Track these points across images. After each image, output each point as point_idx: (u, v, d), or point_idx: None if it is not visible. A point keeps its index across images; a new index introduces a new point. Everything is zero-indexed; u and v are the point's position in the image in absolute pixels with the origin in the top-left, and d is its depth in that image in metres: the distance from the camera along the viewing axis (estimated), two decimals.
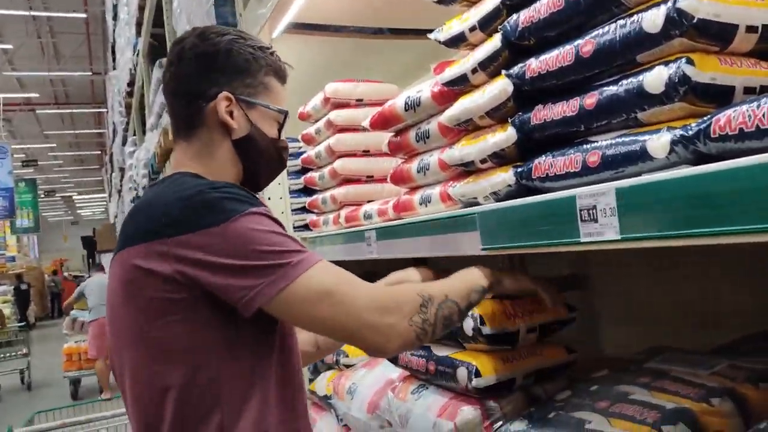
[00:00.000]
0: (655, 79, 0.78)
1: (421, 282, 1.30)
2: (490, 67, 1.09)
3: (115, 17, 7.71)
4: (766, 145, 0.63)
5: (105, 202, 26.42)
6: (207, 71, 1.12)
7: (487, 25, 1.10)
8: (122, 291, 1.01)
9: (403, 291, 1.04)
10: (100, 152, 24.23)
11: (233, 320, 0.98)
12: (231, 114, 1.12)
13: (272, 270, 0.93)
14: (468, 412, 1.20)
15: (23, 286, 16.73)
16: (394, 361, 1.46)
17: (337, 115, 1.90)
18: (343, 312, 0.95)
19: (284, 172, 1.94)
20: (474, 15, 1.13)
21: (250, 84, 1.14)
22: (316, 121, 2.06)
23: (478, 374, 1.19)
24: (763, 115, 0.63)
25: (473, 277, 1.12)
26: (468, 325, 1.22)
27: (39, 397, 8.04)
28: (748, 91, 0.77)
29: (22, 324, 10.83)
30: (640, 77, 0.81)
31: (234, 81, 1.13)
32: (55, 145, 22.99)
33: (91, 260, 22.33)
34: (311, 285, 0.94)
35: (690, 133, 0.73)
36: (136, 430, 1.04)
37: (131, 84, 6.61)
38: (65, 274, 22.78)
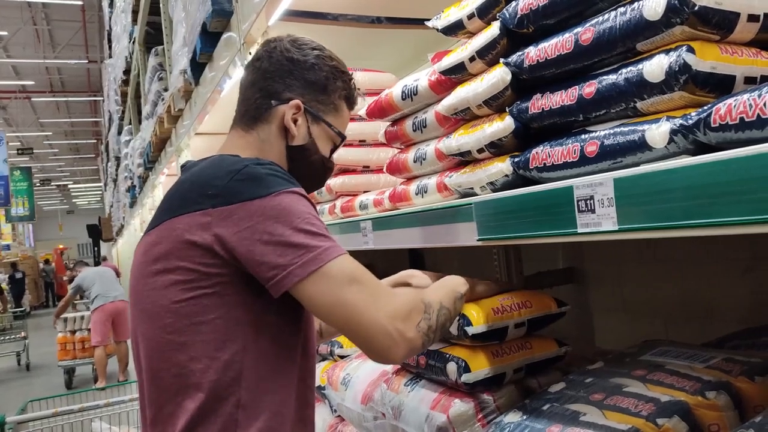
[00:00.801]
0: (656, 67, 0.77)
1: (422, 286, 1.32)
2: (489, 55, 1.08)
3: (111, 4, 7.65)
4: (766, 135, 0.62)
5: (101, 192, 26.36)
6: (289, 76, 1.16)
7: (485, 12, 1.09)
8: (156, 263, 1.02)
9: (411, 297, 1.04)
10: (95, 141, 24.12)
11: (264, 302, 0.99)
12: (295, 121, 1.16)
13: (306, 251, 0.95)
14: (461, 404, 1.19)
15: (18, 275, 16.70)
16: None
17: None
18: (365, 303, 0.95)
19: None
20: (472, 2, 1.11)
21: (322, 101, 1.18)
22: None
23: (467, 369, 1.18)
24: (764, 105, 0.62)
25: (454, 284, 1.15)
26: (453, 324, 1.22)
27: (36, 377, 8.64)
28: (749, 81, 0.77)
29: (21, 308, 11.62)
30: (640, 66, 0.80)
31: (309, 93, 1.17)
32: (50, 133, 22.87)
33: (96, 249, 22.27)
34: (342, 269, 0.96)
35: (690, 122, 0.71)
36: (149, 407, 1.04)
37: (127, 72, 6.56)
38: (65, 262, 22.67)
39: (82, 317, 7.71)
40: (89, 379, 7.49)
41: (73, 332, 7.65)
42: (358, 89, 1.26)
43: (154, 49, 4.48)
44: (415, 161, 1.40)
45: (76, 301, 8.20)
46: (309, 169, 1.19)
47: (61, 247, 25.84)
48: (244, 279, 0.98)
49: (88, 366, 7.51)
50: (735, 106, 0.66)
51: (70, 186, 31.17)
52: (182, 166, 1.20)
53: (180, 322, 0.99)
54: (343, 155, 1.89)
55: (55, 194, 32.37)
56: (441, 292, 1.10)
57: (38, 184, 25.56)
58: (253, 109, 1.18)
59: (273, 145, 1.17)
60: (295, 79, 1.16)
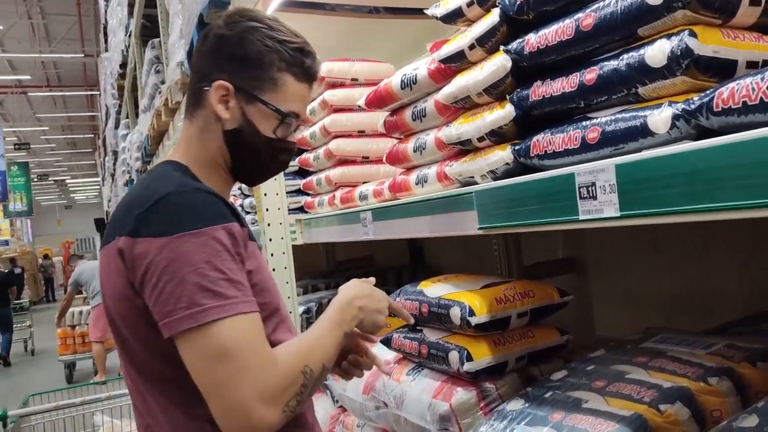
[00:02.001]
0: (657, 52, 0.77)
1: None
2: (488, 42, 1.07)
3: None
4: None
5: (98, 186, 26.31)
6: (216, 55, 1.08)
7: None
8: (105, 286, 1.03)
9: (293, 368, 0.94)
10: (93, 135, 24.05)
11: None
12: (227, 103, 1.07)
13: (185, 307, 0.89)
14: (463, 393, 1.19)
15: (17, 270, 16.69)
16: (387, 344, 1.46)
17: (332, 95, 1.88)
18: (228, 382, 0.88)
19: None
20: None
21: (257, 77, 1.07)
22: (311, 100, 2.04)
23: (469, 358, 1.18)
24: (767, 88, 0.62)
25: (340, 324, 1.05)
26: (455, 314, 1.22)
27: (40, 359, 9.60)
28: (751, 65, 0.76)
29: (26, 300, 12.53)
30: (642, 51, 0.79)
31: (240, 71, 1.07)
32: (47, 128, 22.80)
33: None
34: (212, 341, 0.88)
35: (692, 107, 0.71)
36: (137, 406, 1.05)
37: (123, 66, 6.52)
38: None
39: (81, 312, 7.71)
40: (90, 373, 7.50)
41: (73, 327, 7.66)
42: (314, 56, 1.12)
43: (150, 42, 4.46)
44: (414, 151, 1.40)
45: (77, 296, 8.20)
46: (251, 153, 1.10)
47: (68, 241, 25.76)
48: None
49: (88, 360, 7.52)
50: (738, 90, 0.65)
51: (67, 181, 31.10)
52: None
53: (130, 347, 1.00)
54: (342, 146, 1.88)
55: (53, 189, 32.30)
56: (327, 348, 1.00)
57: (36, 180, 25.52)
58: (191, 96, 1.12)
59: (211, 132, 1.10)
60: (224, 58, 1.07)
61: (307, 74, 1.12)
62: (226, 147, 1.09)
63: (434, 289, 1.36)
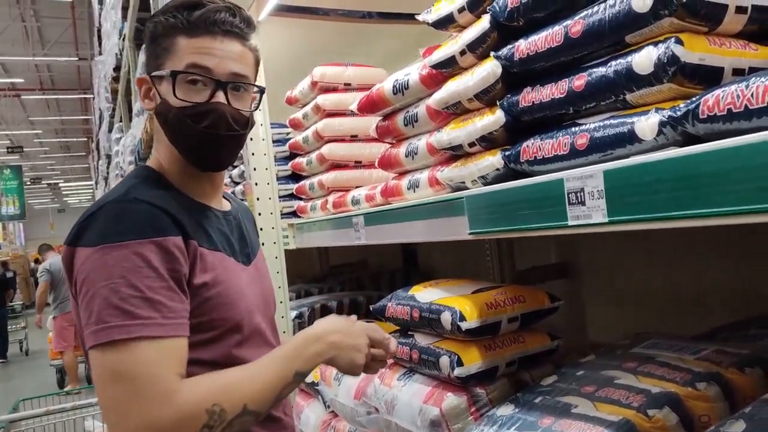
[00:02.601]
0: (645, 59, 0.77)
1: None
2: (479, 48, 1.08)
3: (100, 1, 7.59)
4: (754, 126, 0.62)
5: (92, 190, 26.18)
6: (146, 56, 1.07)
7: (475, 5, 1.08)
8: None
9: (191, 402, 0.87)
10: (86, 139, 23.97)
11: None
12: (149, 94, 1.05)
13: (94, 322, 0.86)
14: (454, 398, 1.19)
15: (9, 274, 16.59)
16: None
17: (325, 100, 1.88)
18: (119, 406, 0.84)
19: (270, 158, 1.93)
20: None
21: (155, 55, 1.03)
22: (304, 105, 2.04)
23: (460, 363, 1.18)
24: (752, 95, 0.63)
25: (293, 359, 0.98)
26: (446, 319, 1.22)
27: (35, 359, 9.79)
28: (737, 72, 0.77)
29: (20, 303, 12.99)
30: (629, 58, 0.80)
31: (148, 59, 1.06)
32: (40, 131, 22.71)
33: None
34: (109, 362, 0.85)
35: (678, 114, 0.72)
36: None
37: (117, 69, 6.51)
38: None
39: None
40: (81, 378, 7.46)
41: None
42: (201, 5, 1.02)
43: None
44: (406, 156, 1.40)
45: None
46: (174, 131, 1.03)
47: (61, 245, 25.68)
48: None
49: (80, 365, 7.48)
50: (723, 97, 0.66)
51: (60, 184, 30.97)
52: None
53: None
54: (335, 150, 1.89)
55: (46, 193, 32.16)
56: (259, 387, 0.93)
57: (29, 183, 25.39)
58: None
59: (157, 130, 1.08)
60: (146, 58, 1.07)
61: (196, 25, 1.01)
62: (166, 133, 1.05)
63: (425, 293, 1.36)
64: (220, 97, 1.02)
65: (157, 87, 1.03)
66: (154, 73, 1.03)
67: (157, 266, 0.90)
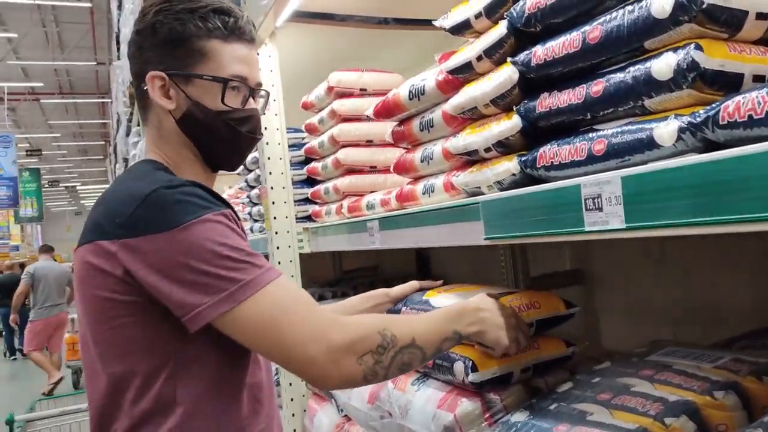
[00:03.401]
0: (664, 65, 0.77)
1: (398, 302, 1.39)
2: (496, 54, 1.08)
3: (119, 7, 7.68)
4: None
5: None
6: (140, 51, 1.05)
7: (493, 11, 1.09)
8: (79, 288, 0.99)
9: (362, 325, 0.97)
10: (104, 143, 24.23)
11: (191, 333, 0.93)
12: (168, 93, 1.04)
13: (217, 289, 0.89)
14: (468, 404, 1.19)
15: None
16: None
17: (341, 105, 1.89)
18: (286, 343, 0.91)
19: (286, 163, 1.94)
20: (480, 1, 1.11)
21: (184, 55, 1.03)
22: (320, 110, 2.05)
23: (474, 369, 1.18)
24: None
25: (455, 319, 1.08)
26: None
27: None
28: (757, 79, 0.76)
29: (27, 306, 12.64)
30: (648, 64, 0.80)
31: (164, 56, 1.03)
32: (59, 135, 23.00)
33: None
34: (257, 312, 0.90)
35: (698, 120, 0.71)
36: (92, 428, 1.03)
37: None
38: None
39: None
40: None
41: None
42: (233, 13, 1.06)
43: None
44: (422, 161, 1.40)
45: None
46: (209, 133, 1.06)
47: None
48: (162, 309, 0.92)
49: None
50: (744, 103, 0.65)
51: (78, 187, 31.32)
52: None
53: (103, 353, 0.97)
54: (350, 155, 1.89)
55: (64, 195, 32.54)
56: (425, 327, 1.02)
57: (47, 186, 25.71)
58: (138, 101, 1.09)
59: (167, 128, 1.06)
60: (147, 51, 1.04)
61: (233, 32, 1.06)
62: (188, 137, 1.07)
63: (440, 299, 1.36)
64: (252, 103, 1.10)
65: (182, 87, 1.04)
66: (178, 72, 1.03)
67: (236, 230, 0.95)
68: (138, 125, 7.43)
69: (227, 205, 1.00)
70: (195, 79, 1.04)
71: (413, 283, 1.49)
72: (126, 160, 9.42)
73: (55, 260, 9.10)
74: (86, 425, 3.02)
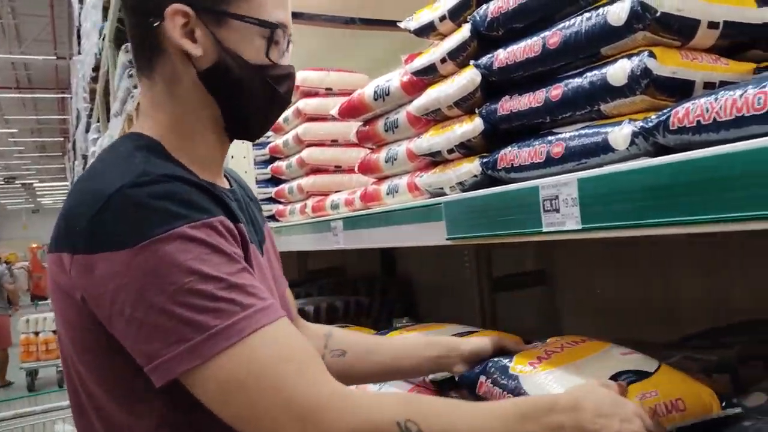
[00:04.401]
0: (619, 71, 0.80)
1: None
2: (459, 57, 1.09)
3: (80, 0, 7.51)
4: (722, 138, 0.65)
5: (67, 190, 25.77)
6: None
7: (456, 14, 1.10)
8: (55, 307, 0.82)
9: (374, 410, 0.69)
10: (63, 139, 23.63)
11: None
12: (192, 34, 0.81)
13: (178, 337, 0.67)
14: None
15: None
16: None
17: (306, 104, 1.88)
18: (260, 423, 0.68)
19: (250, 161, 1.93)
20: (444, 4, 1.13)
21: None
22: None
23: None
24: (721, 108, 0.65)
25: (528, 419, 0.72)
26: None
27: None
28: (708, 86, 0.79)
29: None
30: (604, 70, 0.82)
31: None
32: (16, 130, 22.33)
33: None
34: (227, 374, 0.67)
35: (650, 125, 0.74)
36: None
37: (96, 69, 6.44)
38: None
39: (45, 318, 7.56)
40: (53, 381, 7.33)
41: (37, 333, 7.51)
42: None
43: (124, 46, 4.42)
44: (386, 161, 1.41)
45: (41, 303, 8.21)
46: (242, 90, 0.84)
47: (35, 245, 25.21)
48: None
49: (51, 368, 7.36)
50: (692, 109, 0.68)
51: (35, 185, 30.46)
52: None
53: (80, 379, 0.80)
54: (315, 155, 1.89)
55: (20, 193, 31.61)
56: (471, 426, 0.71)
57: (2, 183, 24.95)
58: (139, 43, 0.84)
59: (183, 82, 0.83)
60: None
61: None
62: (210, 94, 0.84)
63: (538, 378, 0.96)
64: (287, 58, 0.89)
65: (212, 29, 0.81)
66: (212, 8, 0.80)
67: (222, 249, 0.71)
68: (98, 122, 7.28)
69: (224, 206, 0.79)
70: (232, 20, 0.81)
71: (494, 338, 1.12)
72: (85, 157, 9.21)
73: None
74: (41, 428, 2.95)
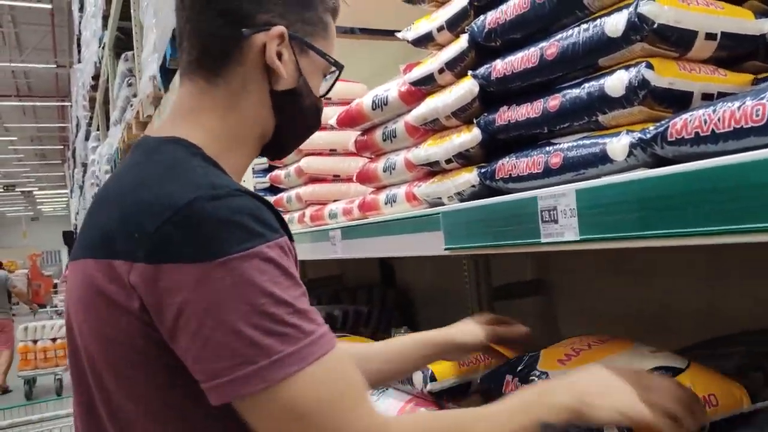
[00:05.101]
0: (616, 82, 0.79)
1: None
2: (457, 67, 1.09)
3: (81, 9, 7.54)
4: (720, 149, 0.64)
5: (67, 198, 25.80)
6: None
7: (454, 25, 1.10)
8: (84, 313, 0.78)
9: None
10: (62, 147, 23.66)
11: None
12: (280, 56, 0.84)
13: (244, 359, 0.66)
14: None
15: None
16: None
17: None
18: None
19: (249, 170, 1.92)
20: (442, 15, 1.13)
21: (309, 20, 0.86)
22: None
23: (433, 378, 1.19)
24: (718, 120, 0.65)
25: (538, 404, 0.76)
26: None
27: None
28: (706, 97, 0.79)
29: None
30: (602, 81, 0.82)
31: (290, 12, 0.84)
32: (15, 138, 22.36)
33: None
34: (287, 402, 0.67)
35: (648, 136, 0.74)
36: None
37: (96, 78, 6.46)
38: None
39: (44, 326, 7.53)
40: (51, 389, 7.30)
41: (35, 341, 7.48)
42: None
43: (123, 55, 4.43)
44: (384, 171, 1.41)
45: (40, 310, 8.27)
46: (302, 117, 0.90)
47: (35, 253, 25.21)
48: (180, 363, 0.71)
49: (49, 376, 7.33)
50: (690, 121, 0.68)
51: (35, 192, 30.46)
52: (136, 146, 0.86)
53: (114, 396, 0.76)
54: (313, 164, 1.89)
55: (20, 200, 31.60)
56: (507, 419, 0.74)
57: (1, 190, 24.96)
58: (218, 45, 0.83)
59: (251, 95, 0.85)
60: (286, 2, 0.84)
61: (336, 11, 0.93)
62: (274, 112, 0.87)
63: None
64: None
65: (297, 57, 0.86)
66: (303, 39, 0.85)
67: (290, 271, 0.71)
68: (97, 130, 7.28)
69: (284, 227, 0.77)
70: (312, 53, 0.87)
71: (487, 328, 1.16)
72: (85, 165, 9.22)
73: (1, 267, 8.97)
74: None
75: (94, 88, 6.87)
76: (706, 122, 0.66)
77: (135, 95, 3.96)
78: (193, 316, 0.67)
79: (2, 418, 3.06)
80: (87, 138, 8.40)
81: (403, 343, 1.13)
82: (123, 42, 4.84)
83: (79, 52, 8.29)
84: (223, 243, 0.67)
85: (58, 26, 14.68)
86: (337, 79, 0.94)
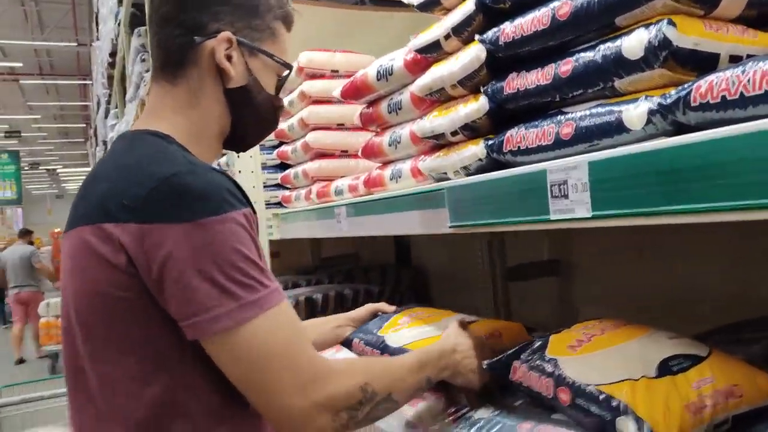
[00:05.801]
0: (635, 43, 0.72)
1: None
2: (464, 32, 1.02)
3: None
4: (750, 114, 0.57)
5: None
6: (212, 2, 0.98)
7: None
8: (73, 274, 0.89)
9: (348, 377, 0.88)
10: (85, 125, 23.88)
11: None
12: (229, 58, 0.98)
13: (218, 303, 0.80)
14: (431, 399, 1.14)
15: None
16: (348, 345, 1.39)
17: (311, 86, 1.82)
18: (268, 388, 0.82)
19: (257, 147, 1.87)
20: None
21: (256, 27, 1.00)
22: (290, 92, 1.98)
23: None
24: (748, 81, 0.57)
25: (429, 366, 1.00)
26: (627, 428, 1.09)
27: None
28: (734, 59, 0.71)
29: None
30: (619, 42, 0.74)
31: (239, 20, 0.98)
32: (39, 116, 22.61)
33: None
34: (248, 341, 0.81)
35: (669, 101, 0.66)
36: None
37: (113, 55, 6.44)
38: None
39: None
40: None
41: (57, 317, 7.60)
42: (291, 5, 1.07)
43: (136, 30, 4.39)
44: (390, 145, 1.35)
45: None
46: (256, 112, 1.02)
47: (57, 230, 25.67)
48: (161, 310, 0.84)
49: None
50: (716, 83, 0.60)
51: (59, 170, 30.90)
52: (117, 139, 1.02)
53: (99, 350, 0.87)
54: (320, 139, 1.83)
55: (45, 178, 32.10)
56: (402, 377, 0.95)
57: (26, 168, 25.35)
58: (175, 52, 0.97)
59: (207, 93, 0.98)
60: (221, 5, 0.97)
61: (291, 22, 1.06)
62: (229, 107, 1.00)
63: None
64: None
65: (246, 58, 0.99)
66: (250, 44, 0.99)
67: (253, 236, 0.87)
68: (116, 107, 7.29)
69: (249, 202, 0.91)
70: (261, 55, 1.01)
71: (369, 307, 1.44)
72: (105, 143, 9.27)
73: (32, 244, 9.23)
74: (61, 411, 2.96)
75: (112, 65, 6.86)
76: (734, 84, 0.59)
77: (148, 71, 3.92)
78: (174, 267, 0.80)
79: (28, 391, 3.09)
80: (106, 116, 8.43)
81: (318, 321, 1.41)
82: (138, 18, 4.79)
83: (98, 30, 8.29)
84: (203, 207, 0.82)
85: (79, 4, 14.69)
86: (286, 78, 1.06)
